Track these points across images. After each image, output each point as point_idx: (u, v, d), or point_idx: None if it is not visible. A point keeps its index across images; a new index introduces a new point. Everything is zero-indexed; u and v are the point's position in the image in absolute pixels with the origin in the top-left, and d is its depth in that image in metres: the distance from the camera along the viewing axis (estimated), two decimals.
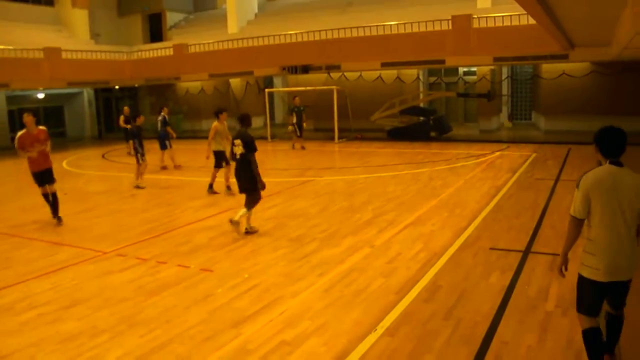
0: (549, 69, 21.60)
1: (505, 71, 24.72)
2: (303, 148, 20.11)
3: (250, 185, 8.64)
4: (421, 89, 25.63)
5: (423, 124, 21.83)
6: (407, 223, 9.18)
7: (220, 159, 12.45)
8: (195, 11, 35.01)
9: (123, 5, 33.91)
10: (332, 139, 22.11)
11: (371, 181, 13.29)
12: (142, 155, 13.50)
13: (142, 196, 12.88)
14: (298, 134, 20.12)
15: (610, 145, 3.92)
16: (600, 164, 4.01)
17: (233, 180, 9.38)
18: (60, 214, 10.20)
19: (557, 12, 9.58)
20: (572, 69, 21.02)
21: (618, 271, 3.89)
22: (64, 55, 25.09)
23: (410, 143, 20.59)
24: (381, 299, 5.96)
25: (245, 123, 8.74)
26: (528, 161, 15.21)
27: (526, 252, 7.36)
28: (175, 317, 5.69)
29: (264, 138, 22.96)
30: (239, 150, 8.58)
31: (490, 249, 7.58)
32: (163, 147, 16.54)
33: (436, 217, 9.52)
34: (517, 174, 13.24)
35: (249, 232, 8.88)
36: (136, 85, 30.49)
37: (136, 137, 13.53)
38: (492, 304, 5.69)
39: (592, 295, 4.02)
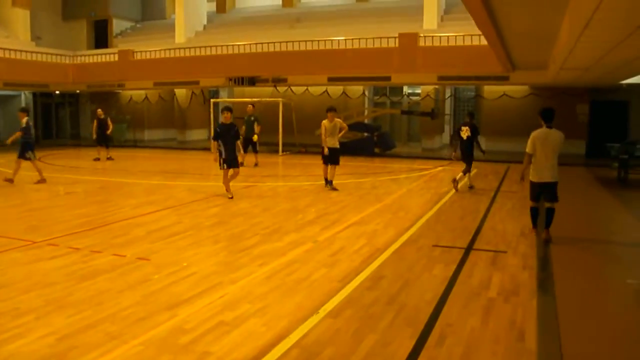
0: (490, 90, 22.26)
1: (448, 91, 25.34)
2: (256, 165, 17.40)
3: (471, 158, 12.39)
4: (366, 105, 25.92)
5: (367, 140, 21.95)
6: (351, 223, 9.12)
7: (334, 155, 12.55)
8: (143, 20, 34.30)
9: (68, 10, 32.70)
10: (276, 152, 21.92)
11: (314, 187, 13.16)
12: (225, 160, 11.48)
13: (78, 194, 12.39)
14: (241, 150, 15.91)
15: (546, 116, 7.75)
16: (540, 127, 7.79)
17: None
18: None
19: (501, 23, 9.87)
20: (513, 91, 21.74)
21: (544, 177, 7.76)
22: (0, 53, 24.09)
23: (354, 157, 20.64)
24: (324, 286, 5.84)
25: (471, 117, 12.62)
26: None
27: (468, 249, 7.41)
28: (107, 300, 5.38)
29: (207, 149, 22.39)
30: (465, 134, 12.18)
31: (433, 245, 7.60)
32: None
33: (380, 218, 9.52)
34: (458, 185, 13.42)
35: (472, 187, 12.76)
36: (78, 91, 29.56)
37: (219, 138, 11.51)
38: (435, 292, 5.67)
39: (533, 190, 7.98)
